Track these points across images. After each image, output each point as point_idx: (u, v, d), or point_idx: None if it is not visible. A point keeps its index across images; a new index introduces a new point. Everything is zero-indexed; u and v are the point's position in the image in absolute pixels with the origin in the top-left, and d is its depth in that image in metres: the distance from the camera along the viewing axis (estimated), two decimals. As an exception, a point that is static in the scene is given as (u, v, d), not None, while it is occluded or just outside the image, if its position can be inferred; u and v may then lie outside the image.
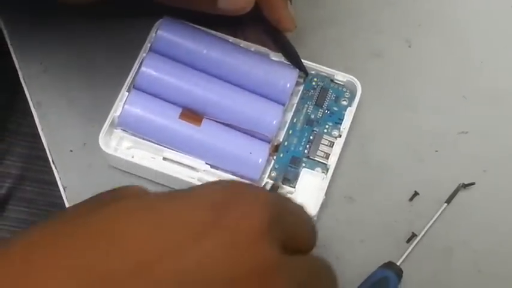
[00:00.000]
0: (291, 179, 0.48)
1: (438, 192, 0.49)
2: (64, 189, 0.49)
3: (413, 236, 0.48)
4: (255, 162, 0.48)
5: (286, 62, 0.51)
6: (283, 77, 0.50)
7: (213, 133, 0.48)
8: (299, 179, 0.48)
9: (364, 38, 0.54)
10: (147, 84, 0.48)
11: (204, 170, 0.48)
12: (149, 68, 0.48)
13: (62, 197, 0.50)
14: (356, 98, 0.50)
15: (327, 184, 0.48)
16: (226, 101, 0.48)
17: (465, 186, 0.49)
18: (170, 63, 0.49)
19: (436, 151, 0.51)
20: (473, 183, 0.49)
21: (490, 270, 0.48)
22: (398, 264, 0.46)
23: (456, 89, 0.53)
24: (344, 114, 0.50)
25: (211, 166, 0.48)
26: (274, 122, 0.48)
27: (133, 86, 0.49)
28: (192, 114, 0.48)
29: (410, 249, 0.47)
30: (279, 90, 0.49)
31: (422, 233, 0.48)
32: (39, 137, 0.51)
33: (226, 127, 0.48)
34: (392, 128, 0.52)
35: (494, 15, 0.56)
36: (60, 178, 0.49)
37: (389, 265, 0.46)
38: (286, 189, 0.48)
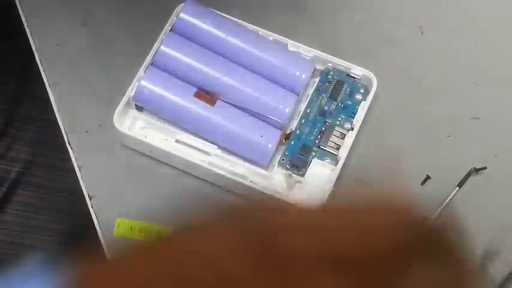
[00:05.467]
0: (300, 167, 0.48)
1: (450, 176, 0.50)
2: (80, 168, 0.49)
3: (425, 219, 0.48)
4: (265, 147, 0.48)
5: (303, 53, 0.51)
6: (299, 68, 0.50)
7: (226, 113, 0.48)
8: (308, 168, 0.49)
9: (377, 25, 0.55)
10: (165, 63, 0.49)
11: (215, 155, 0.48)
12: (168, 48, 0.49)
13: (70, 182, 0.50)
14: (371, 93, 0.50)
15: (336, 176, 0.48)
16: (241, 85, 0.49)
17: (477, 170, 0.50)
18: (189, 44, 0.50)
19: (448, 136, 0.51)
20: (484, 168, 0.50)
21: (501, 255, 0.48)
22: (410, 246, 0.47)
23: (468, 75, 0.53)
24: (357, 108, 0.50)
25: (222, 150, 0.48)
26: (287, 110, 0.49)
27: (152, 64, 0.49)
28: (207, 94, 0.48)
29: (422, 232, 0.48)
30: (294, 80, 0.50)
31: (434, 216, 0.48)
32: (49, 121, 0.51)
33: (239, 110, 0.49)
34: (404, 112, 0.52)
35: (506, 2, 0.56)
36: (76, 158, 0.49)
37: (402, 247, 0.46)
38: (295, 177, 0.48)
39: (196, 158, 0.48)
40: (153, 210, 0.49)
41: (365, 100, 0.50)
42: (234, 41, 0.50)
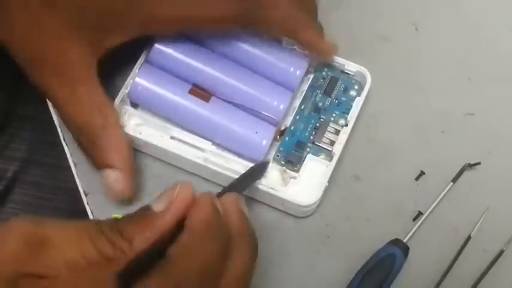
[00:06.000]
0: (294, 163, 0.49)
1: (444, 172, 0.50)
2: (75, 165, 0.49)
3: (420, 214, 0.49)
4: (259, 144, 0.48)
5: (297, 49, 0.51)
6: (293, 64, 0.50)
7: (221, 110, 0.48)
8: (303, 164, 0.49)
9: (371, 22, 0.55)
10: (159, 60, 0.49)
11: (210, 151, 0.48)
12: (163, 45, 0.49)
13: (67, 180, 0.51)
14: (365, 89, 0.51)
15: (331, 172, 0.48)
16: (236, 82, 0.49)
17: (471, 166, 0.50)
18: (184, 41, 0.50)
19: (443, 132, 0.52)
20: (478, 163, 0.50)
21: (493, 248, 0.48)
22: (404, 241, 0.47)
23: (462, 71, 0.54)
24: (352, 104, 0.50)
25: (217, 147, 0.49)
26: (282, 107, 0.49)
27: (146, 61, 0.49)
28: (202, 91, 0.49)
29: (416, 227, 0.48)
30: (289, 77, 0.50)
31: (429, 211, 0.48)
32: (46, 121, 0.51)
33: (234, 106, 0.49)
34: (399, 109, 0.52)
35: (500, -1, 0.57)
36: (71, 154, 0.50)
37: (396, 242, 0.47)
38: (289, 173, 0.48)
39: (191, 154, 0.48)
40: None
41: (359, 96, 0.51)
42: (229, 37, 0.50)
